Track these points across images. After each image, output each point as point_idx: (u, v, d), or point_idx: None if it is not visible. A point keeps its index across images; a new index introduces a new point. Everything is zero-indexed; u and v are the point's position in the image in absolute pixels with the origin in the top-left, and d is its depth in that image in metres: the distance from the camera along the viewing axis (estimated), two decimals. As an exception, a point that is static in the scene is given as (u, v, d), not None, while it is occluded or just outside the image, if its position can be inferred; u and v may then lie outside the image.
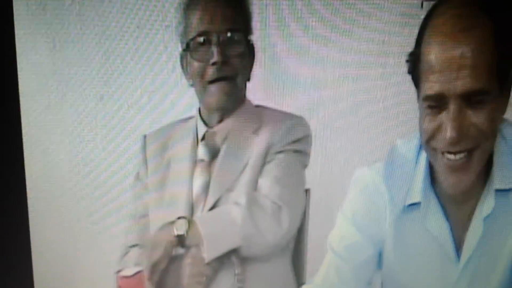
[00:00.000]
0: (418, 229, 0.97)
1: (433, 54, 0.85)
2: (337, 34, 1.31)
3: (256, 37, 1.22)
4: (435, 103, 0.87)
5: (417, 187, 0.96)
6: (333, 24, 1.30)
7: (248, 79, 1.22)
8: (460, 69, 0.83)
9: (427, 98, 0.87)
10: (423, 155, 0.97)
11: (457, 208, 0.97)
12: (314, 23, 1.28)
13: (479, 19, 0.84)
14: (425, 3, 1.45)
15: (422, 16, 0.91)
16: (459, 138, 0.86)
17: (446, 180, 0.92)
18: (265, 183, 1.18)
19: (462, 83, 0.83)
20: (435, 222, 0.96)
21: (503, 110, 0.92)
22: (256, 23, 1.22)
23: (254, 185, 1.18)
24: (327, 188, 1.34)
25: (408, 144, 1.00)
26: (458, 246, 0.97)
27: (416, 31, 0.92)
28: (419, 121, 0.92)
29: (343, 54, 1.41)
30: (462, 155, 0.89)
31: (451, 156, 0.89)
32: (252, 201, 1.16)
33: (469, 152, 0.89)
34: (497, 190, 0.94)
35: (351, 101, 1.59)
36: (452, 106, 0.85)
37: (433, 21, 0.87)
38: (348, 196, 1.04)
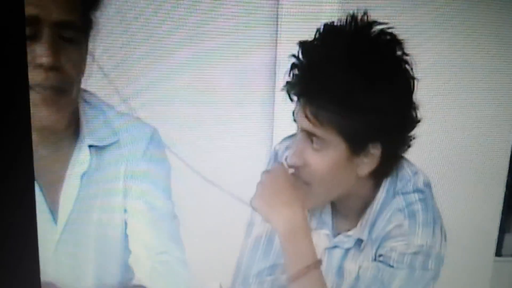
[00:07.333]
0: None
1: None
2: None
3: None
4: (30, 31, 0.80)
5: None
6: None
7: None
8: None
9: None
10: None
11: (49, 165, 0.90)
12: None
13: None
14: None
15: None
16: (51, 68, 0.81)
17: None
18: None
19: (56, 12, 0.80)
20: None
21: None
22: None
23: None
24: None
25: None
26: (55, 208, 0.90)
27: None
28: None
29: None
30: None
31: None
32: None
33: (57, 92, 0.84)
34: (91, 147, 0.90)
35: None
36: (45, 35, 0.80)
37: None
38: None
